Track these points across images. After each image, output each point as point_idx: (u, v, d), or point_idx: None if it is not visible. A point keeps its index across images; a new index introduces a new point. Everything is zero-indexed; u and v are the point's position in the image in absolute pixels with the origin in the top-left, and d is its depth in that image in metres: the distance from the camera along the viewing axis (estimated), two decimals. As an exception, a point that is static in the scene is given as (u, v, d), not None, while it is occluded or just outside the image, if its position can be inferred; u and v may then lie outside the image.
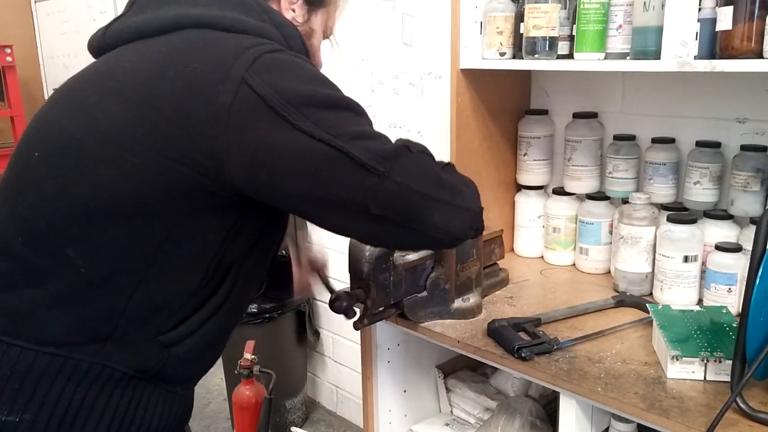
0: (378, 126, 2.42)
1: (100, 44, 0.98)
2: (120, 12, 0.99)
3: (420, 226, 0.88)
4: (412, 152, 0.89)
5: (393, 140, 0.91)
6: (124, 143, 0.85)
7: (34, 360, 0.87)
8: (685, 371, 1.11)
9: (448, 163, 0.99)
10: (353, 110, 0.89)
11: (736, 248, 1.34)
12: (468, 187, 0.97)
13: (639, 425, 1.18)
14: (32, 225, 0.89)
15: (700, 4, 1.20)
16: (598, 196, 1.64)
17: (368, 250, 1.24)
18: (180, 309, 0.93)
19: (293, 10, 1.03)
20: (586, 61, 1.40)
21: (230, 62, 0.83)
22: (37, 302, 0.88)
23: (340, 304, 1.21)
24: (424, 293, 1.34)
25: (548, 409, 1.50)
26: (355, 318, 1.25)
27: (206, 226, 0.90)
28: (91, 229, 0.87)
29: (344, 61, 2.25)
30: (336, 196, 0.86)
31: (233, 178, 0.85)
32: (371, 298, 1.25)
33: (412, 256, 1.32)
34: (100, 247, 0.88)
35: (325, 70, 1.01)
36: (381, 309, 1.29)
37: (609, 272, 1.63)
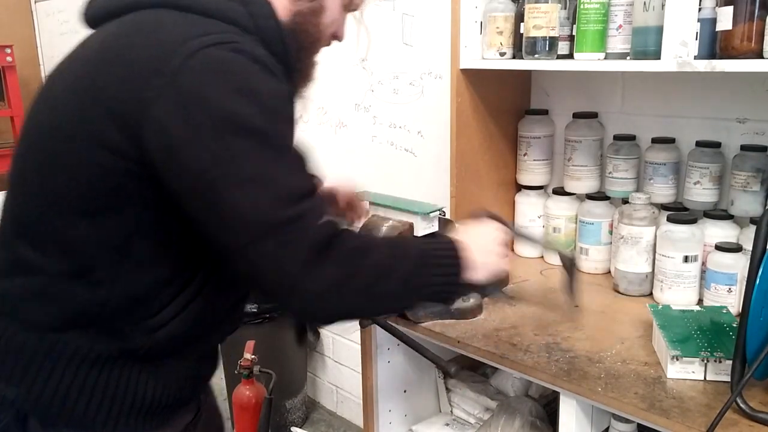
0: (378, 126, 2.40)
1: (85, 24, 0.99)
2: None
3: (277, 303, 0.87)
4: (292, 232, 0.82)
5: (300, 189, 0.84)
6: (76, 135, 0.85)
7: (26, 341, 0.91)
8: (685, 371, 1.11)
9: (342, 235, 0.87)
10: (270, 143, 0.83)
11: (736, 248, 1.34)
12: (351, 279, 0.86)
13: (639, 425, 1.18)
14: (20, 219, 0.93)
15: (700, 4, 1.20)
16: (598, 196, 1.64)
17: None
18: (158, 296, 0.93)
19: None
20: (586, 61, 1.40)
21: (168, 53, 0.81)
22: (27, 290, 0.92)
23: None
24: (424, 293, 1.34)
25: (548, 409, 1.50)
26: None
27: (167, 216, 0.89)
28: (67, 224, 0.89)
29: (343, 63, 2.25)
30: (206, 224, 0.85)
31: (154, 169, 0.84)
32: None
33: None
34: (77, 241, 0.89)
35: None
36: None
37: (609, 272, 1.63)
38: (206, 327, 1.02)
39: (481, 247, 1.00)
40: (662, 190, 1.53)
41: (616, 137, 1.62)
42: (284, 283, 0.83)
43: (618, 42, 1.37)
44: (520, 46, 1.51)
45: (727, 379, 1.06)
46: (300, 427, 2.58)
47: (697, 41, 1.20)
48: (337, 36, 1.07)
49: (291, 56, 0.95)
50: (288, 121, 0.86)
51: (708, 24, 1.21)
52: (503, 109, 1.73)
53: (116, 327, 0.92)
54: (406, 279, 0.91)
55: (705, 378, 1.10)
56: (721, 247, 1.35)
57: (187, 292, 0.95)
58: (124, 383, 0.94)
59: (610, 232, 1.61)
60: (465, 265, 0.96)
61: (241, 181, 0.81)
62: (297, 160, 0.88)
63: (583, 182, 1.67)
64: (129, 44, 0.85)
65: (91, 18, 0.96)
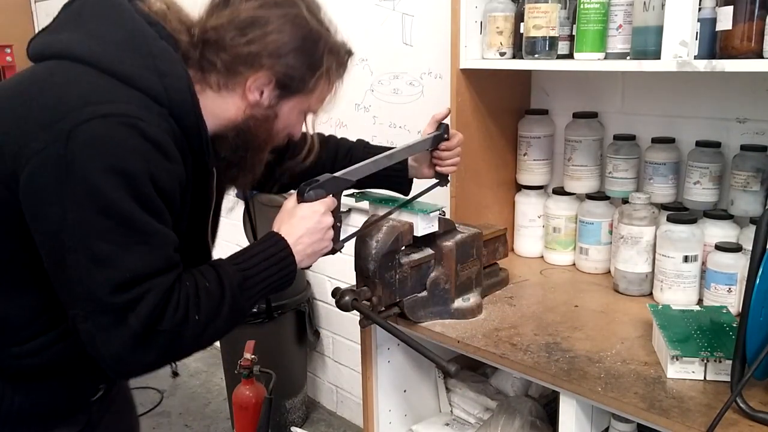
0: (378, 126, 2.40)
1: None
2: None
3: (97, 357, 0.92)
4: (121, 316, 0.88)
5: (139, 282, 0.88)
6: None
7: None
8: (685, 371, 1.11)
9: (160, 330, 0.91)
10: (128, 227, 0.87)
11: (736, 248, 1.34)
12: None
13: (639, 425, 1.17)
14: None
15: (700, 4, 1.21)
16: (598, 196, 1.64)
17: (374, 248, 1.24)
18: (28, 326, 0.96)
19: (261, 93, 1.03)
20: (586, 61, 1.40)
21: (63, 114, 0.86)
22: None
23: (345, 301, 1.21)
24: (424, 293, 1.34)
25: (548, 409, 1.50)
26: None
27: (33, 253, 0.92)
28: None
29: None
30: (55, 284, 0.91)
31: (22, 207, 0.89)
32: (377, 295, 1.25)
33: (417, 255, 1.32)
34: None
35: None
36: (383, 308, 1.29)
37: (609, 272, 1.63)
38: (80, 362, 1.01)
39: (304, 236, 1.08)
40: (662, 190, 1.54)
41: (616, 137, 1.62)
42: (113, 357, 0.90)
43: (618, 42, 1.37)
44: (520, 46, 1.51)
45: (727, 379, 1.06)
46: (300, 427, 2.58)
47: (697, 41, 1.20)
48: (291, 136, 1.13)
49: (203, 131, 0.99)
50: (155, 207, 0.90)
51: (708, 24, 1.21)
52: (503, 109, 1.73)
53: None
54: (234, 308, 0.98)
55: (705, 378, 1.10)
56: (721, 247, 1.35)
57: (60, 328, 0.97)
58: None
59: (610, 232, 1.61)
60: (288, 269, 1.06)
61: (88, 257, 0.86)
62: (154, 242, 0.90)
63: (583, 182, 1.67)
64: (37, 91, 0.91)
65: (30, 57, 1.00)
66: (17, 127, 0.88)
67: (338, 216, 1.16)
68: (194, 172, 1.01)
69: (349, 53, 1.11)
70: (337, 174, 1.16)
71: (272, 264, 1.04)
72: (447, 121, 1.39)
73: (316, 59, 1.04)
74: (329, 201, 1.13)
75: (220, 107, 1.02)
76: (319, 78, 1.05)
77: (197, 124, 0.98)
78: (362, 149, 1.40)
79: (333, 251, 1.17)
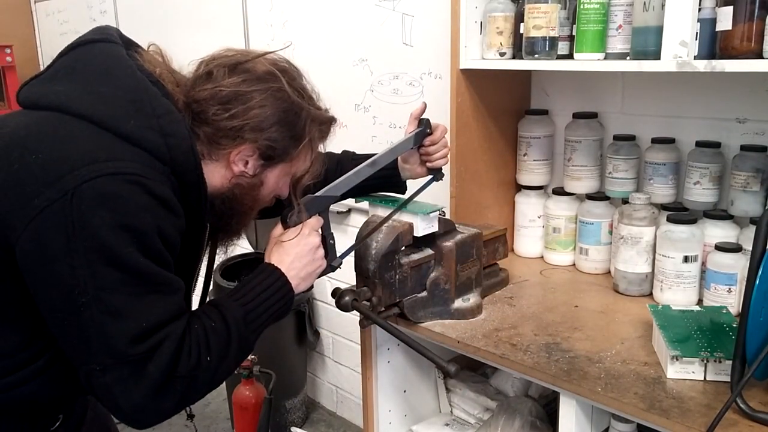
0: (378, 126, 2.40)
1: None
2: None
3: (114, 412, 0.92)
4: (139, 367, 0.88)
5: (153, 330, 0.89)
6: None
7: None
8: (685, 371, 1.11)
9: (175, 376, 0.92)
10: (139, 279, 0.89)
11: (736, 248, 1.34)
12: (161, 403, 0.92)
13: (639, 425, 1.18)
14: None
15: (700, 4, 1.21)
16: (598, 196, 1.64)
17: (374, 249, 1.24)
18: None
19: (246, 163, 1.04)
20: (586, 61, 1.40)
21: (68, 171, 0.86)
22: None
23: (345, 301, 1.21)
24: (424, 293, 1.34)
25: (548, 409, 1.50)
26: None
27: (15, 294, 0.91)
28: None
29: (343, 63, 2.25)
30: (64, 340, 0.90)
31: (19, 263, 0.88)
32: (377, 296, 1.25)
33: (417, 255, 1.32)
34: None
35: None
36: (383, 309, 1.29)
37: (609, 272, 1.63)
38: (41, 401, 1.01)
39: (294, 260, 1.10)
40: (662, 190, 1.54)
41: (616, 137, 1.62)
42: (133, 408, 0.90)
43: (618, 42, 1.37)
44: (520, 46, 1.51)
45: (727, 379, 1.06)
46: (300, 427, 2.58)
47: (697, 41, 1.20)
48: (279, 197, 1.14)
49: (203, 190, 1.00)
50: (163, 259, 0.92)
51: (708, 24, 1.21)
52: (503, 109, 1.73)
53: None
54: (241, 343, 1.00)
55: (705, 378, 1.10)
56: (721, 247, 1.35)
57: (29, 370, 0.96)
58: None
59: (610, 232, 1.61)
60: (287, 297, 1.07)
61: (103, 311, 0.86)
62: (166, 290, 0.92)
63: (583, 182, 1.67)
64: (37, 146, 0.89)
65: (21, 103, 0.99)
66: (14, 182, 0.87)
67: (329, 233, 1.18)
68: (188, 224, 1.01)
69: (332, 120, 1.12)
70: (317, 194, 1.17)
71: (271, 294, 1.06)
72: (427, 115, 1.38)
73: (299, 130, 1.05)
74: (313, 221, 1.15)
75: (206, 175, 1.01)
76: (303, 147, 1.07)
77: (198, 182, 0.99)
78: (350, 160, 1.39)
79: (331, 269, 1.19)
